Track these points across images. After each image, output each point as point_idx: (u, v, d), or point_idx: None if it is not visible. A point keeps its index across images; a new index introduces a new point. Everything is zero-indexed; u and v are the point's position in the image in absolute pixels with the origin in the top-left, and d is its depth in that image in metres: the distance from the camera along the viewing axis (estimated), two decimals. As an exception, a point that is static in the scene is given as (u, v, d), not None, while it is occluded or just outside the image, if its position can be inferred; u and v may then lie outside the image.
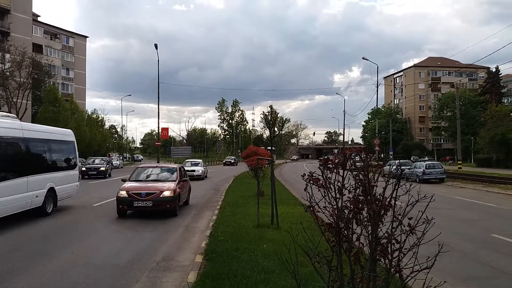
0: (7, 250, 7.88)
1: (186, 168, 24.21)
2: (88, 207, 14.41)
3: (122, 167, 51.81)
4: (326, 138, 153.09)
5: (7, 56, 42.90)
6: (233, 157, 73.31)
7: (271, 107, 11.39)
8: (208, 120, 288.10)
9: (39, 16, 63.46)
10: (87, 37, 73.24)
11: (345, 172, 3.02)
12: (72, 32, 69.31)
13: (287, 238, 7.21)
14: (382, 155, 58.55)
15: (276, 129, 12.70)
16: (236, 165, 62.54)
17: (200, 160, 33.36)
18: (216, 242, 7.99)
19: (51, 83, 49.84)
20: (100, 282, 5.90)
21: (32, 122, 47.15)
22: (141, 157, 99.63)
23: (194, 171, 28.01)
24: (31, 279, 6.04)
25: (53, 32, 65.12)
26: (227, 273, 5.83)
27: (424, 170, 27.80)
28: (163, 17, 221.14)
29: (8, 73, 40.43)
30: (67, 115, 43.93)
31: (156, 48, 38.54)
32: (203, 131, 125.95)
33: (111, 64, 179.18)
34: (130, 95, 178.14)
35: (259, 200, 10.52)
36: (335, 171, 3.01)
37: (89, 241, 8.95)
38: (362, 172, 2.88)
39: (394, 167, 3.13)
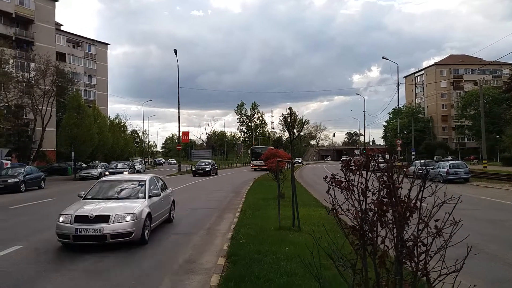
0: (36, 253, 8.07)
1: None
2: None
3: (144, 171, 52.59)
4: (346, 139, 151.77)
5: (32, 65, 44.23)
6: (209, 161, 43.70)
7: (290, 109, 11.30)
8: (228, 123, 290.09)
9: (62, 25, 65.17)
10: (108, 44, 74.70)
11: (369, 173, 2.98)
12: (94, 40, 70.82)
13: (309, 241, 7.15)
14: (404, 156, 57.50)
15: (295, 131, 12.55)
16: (215, 174, 41.16)
17: (136, 178, 10.73)
18: (238, 244, 8.00)
19: (74, 90, 50.98)
20: (124, 285, 5.97)
21: (56, 129, 48.41)
22: (174, 161, 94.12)
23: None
24: (56, 283, 6.18)
25: (76, 40, 66.70)
26: (250, 276, 5.83)
27: (448, 170, 27.19)
28: (181, 23, 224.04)
29: (33, 81, 41.63)
30: (90, 121, 44.80)
31: (176, 53, 39.09)
32: (222, 134, 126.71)
33: (131, 70, 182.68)
34: (151, 100, 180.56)
35: (280, 203, 10.49)
36: (358, 172, 2.97)
37: (114, 245, 9.06)
38: (386, 174, 2.83)
39: (418, 167, 3.08)
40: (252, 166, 52.86)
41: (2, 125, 34.55)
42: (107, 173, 31.38)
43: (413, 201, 2.77)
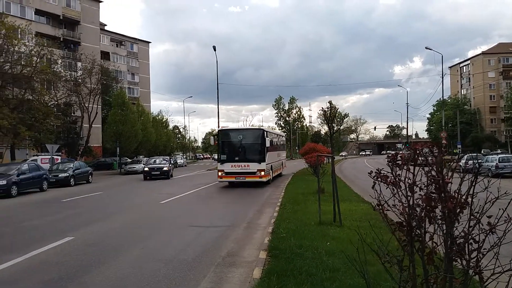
0: (86, 244, 8.50)
1: None
2: (156, 204, 15.10)
3: (186, 165, 53.67)
4: (388, 133, 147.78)
5: (79, 64, 46.27)
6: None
7: (330, 102, 11.07)
8: (265, 118, 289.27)
9: (105, 25, 67.58)
10: (150, 42, 76.81)
11: (417, 168, 2.90)
12: (136, 39, 72.97)
13: (351, 236, 7.06)
14: (450, 149, 55.23)
15: (335, 125, 12.21)
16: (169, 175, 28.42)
17: None
18: (278, 239, 8.02)
19: (119, 88, 52.80)
20: (169, 277, 6.16)
21: (102, 125, 50.41)
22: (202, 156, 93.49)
23: None
24: (106, 273, 6.45)
25: (119, 39, 68.95)
26: (292, 270, 5.84)
27: (497, 163, 25.93)
28: (219, 20, 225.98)
29: (80, 80, 43.58)
30: (134, 118, 46.21)
31: (215, 49, 39.48)
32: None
33: (172, 67, 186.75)
34: (191, 96, 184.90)
35: (320, 197, 10.42)
36: (405, 167, 2.90)
37: (158, 237, 9.37)
38: (435, 168, 2.75)
39: (466, 160, 2.96)
40: (220, 177, 21.13)
41: (52, 123, 36.44)
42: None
43: (464, 196, 2.68)
